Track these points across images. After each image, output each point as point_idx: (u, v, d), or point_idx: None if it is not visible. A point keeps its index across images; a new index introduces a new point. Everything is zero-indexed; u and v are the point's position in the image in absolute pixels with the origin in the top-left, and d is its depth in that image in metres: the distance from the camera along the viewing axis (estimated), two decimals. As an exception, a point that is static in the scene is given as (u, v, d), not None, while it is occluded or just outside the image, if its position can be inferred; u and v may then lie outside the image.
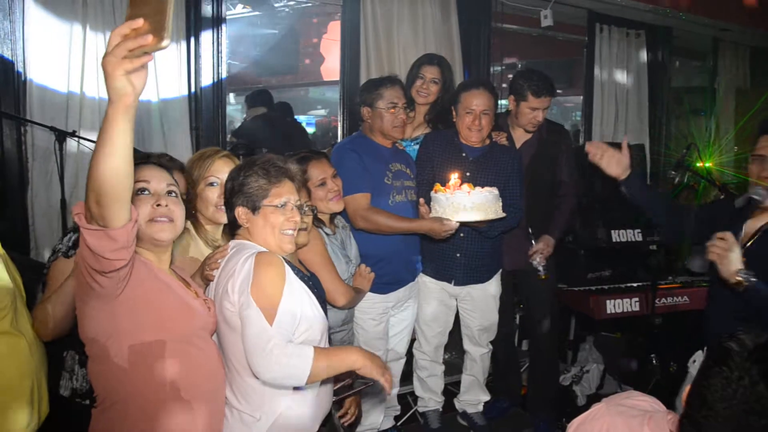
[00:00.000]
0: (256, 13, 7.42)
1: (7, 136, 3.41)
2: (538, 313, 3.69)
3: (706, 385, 1.26)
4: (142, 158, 1.95)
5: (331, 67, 7.90)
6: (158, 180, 1.84)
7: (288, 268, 1.92)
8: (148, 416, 1.73)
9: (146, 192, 1.80)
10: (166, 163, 2.04)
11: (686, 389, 1.35)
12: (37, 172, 3.46)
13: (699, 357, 2.53)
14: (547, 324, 3.68)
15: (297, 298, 1.90)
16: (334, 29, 5.83)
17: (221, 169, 2.28)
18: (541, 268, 3.45)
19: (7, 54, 3.33)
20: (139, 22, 1.19)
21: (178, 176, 2.07)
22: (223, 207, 2.12)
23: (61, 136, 3.26)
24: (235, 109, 8.83)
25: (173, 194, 1.85)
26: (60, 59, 3.47)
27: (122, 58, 1.20)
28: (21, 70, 3.37)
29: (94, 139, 3.32)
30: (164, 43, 1.18)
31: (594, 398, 4.15)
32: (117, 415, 1.73)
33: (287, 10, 7.33)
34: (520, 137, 3.56)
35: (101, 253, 1.46)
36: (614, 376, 4.40)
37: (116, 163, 1.35)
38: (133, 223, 1.48)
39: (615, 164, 2.61)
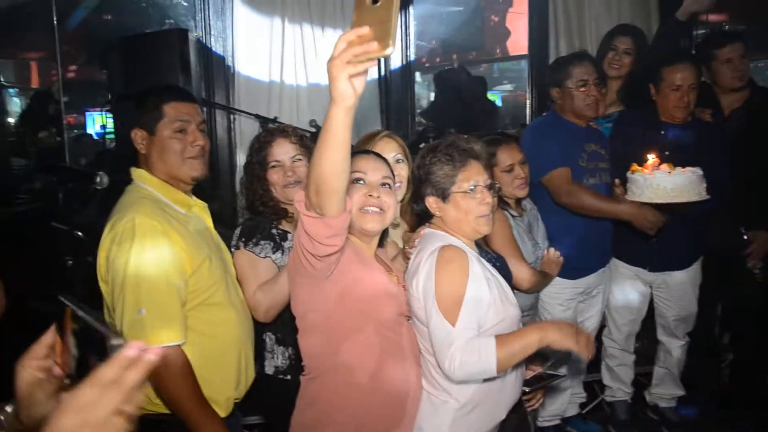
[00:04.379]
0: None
1: (218, 124, 3.80)
2: (744, 303, 3.37)
3: None
4: (360, 150, 2.03)
5: (518, 41, 7.71)
6: (374, 171, 1.90)
7: (472, 258, 1.90)
8: (349, 393, 1.83)
9: (361, 182, 1.88)
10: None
11: None
12: (244, 157, 3.79)
13: None
14: (753, 316, 3.35)
15: (483, 286, 1.87)
16: (521, 2, 5.67)
17: (385, 149, 2.22)
18: (757, 270, 3.17)
19: (220, 50, 3.70)
20: (366, 30, 1.23)
21: None
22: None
23: (264, 122, 3.55)
24: (421, 86, 8.95)
25: (387, 186, 1.91)
26: (262, 51, 3.78)
27: (346, 62, 1.25)
28: (230, 63, 3.72)
29: (294, 125, 3.60)
30: (388, 50, 1.21)
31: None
32: (323, 385, 1.86)
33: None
34: (727, 106, 3.26)
35: (317, 239, 1.58)
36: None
37: (335, 158, 1.44)
38: (347, 214, 1.57)
39: None
